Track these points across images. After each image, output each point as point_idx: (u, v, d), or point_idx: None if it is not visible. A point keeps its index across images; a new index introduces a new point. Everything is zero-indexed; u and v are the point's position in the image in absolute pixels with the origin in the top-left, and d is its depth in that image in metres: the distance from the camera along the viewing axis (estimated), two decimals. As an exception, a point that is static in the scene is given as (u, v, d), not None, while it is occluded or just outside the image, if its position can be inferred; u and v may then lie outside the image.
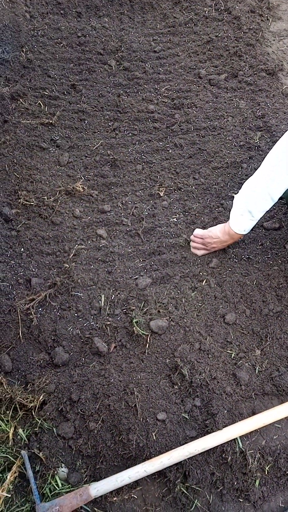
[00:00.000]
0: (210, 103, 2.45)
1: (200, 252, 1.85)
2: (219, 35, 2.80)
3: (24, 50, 2.67)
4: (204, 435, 1.44)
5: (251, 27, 2.85)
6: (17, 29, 2.79)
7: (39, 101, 2.40)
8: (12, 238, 1.89)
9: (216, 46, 2.74)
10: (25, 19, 2.88)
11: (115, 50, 2.72)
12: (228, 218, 1.75)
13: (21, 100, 2.39)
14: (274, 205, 2.04)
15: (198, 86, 2.55)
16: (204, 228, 1.90)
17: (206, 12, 2.95)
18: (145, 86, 2.54)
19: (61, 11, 2.97)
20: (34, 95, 2.44)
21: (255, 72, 2.59)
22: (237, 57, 2.67)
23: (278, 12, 3.07)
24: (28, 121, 2.30)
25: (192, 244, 1.86)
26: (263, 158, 1.62)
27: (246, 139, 2.27)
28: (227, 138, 2.29)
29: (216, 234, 1.78)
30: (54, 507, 1.32)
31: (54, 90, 2.49)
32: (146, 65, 2.65)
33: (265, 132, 2.29)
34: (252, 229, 1.96)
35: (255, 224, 1.87)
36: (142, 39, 2.80)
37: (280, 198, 2.06)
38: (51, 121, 2.31)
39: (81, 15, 2.95)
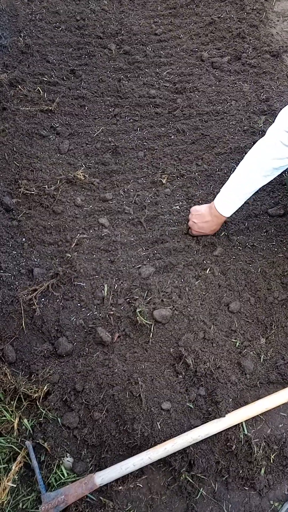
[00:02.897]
0: (213, 87, 2.40)
1: (191, 231, 1.85)
2: (222, 16, 2.72)
3: (22, 35, 2.61)
4: (209, 424, 1.43)
5: (254, 8, 2.77)
6: (15, 13, 2.72)
7: (38, 88, 2.35)
8: (13, 228, 1.87)
9: (218, 28, 2.67)
10: (22, 2, 2.81)
11: (115, 34, 2.66)
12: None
13: (19, 86, 2.34)
14: (279, 192, 2.00)
15: (201, 70, 2.49)
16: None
17: (208, -8, 2.86)
18: (146, 70, 2.49)
19: (59, -6, 2.89)
20: (33, 81, 2.39)
21: (259, 54, 2.52)
22: (240, 39, 2.60)
23: (282, -9, 2.98)
24: (27, 108, 2.26)
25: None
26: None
27: (250, 123, 2.22)
28: (231, 122, 2.24)
29: (201, 208, 1.81)
30: (60, 496, 1.32)
31: (53, 75, 2.44)
32: (147, 48, 2.59)
33: (270, 116, 2.24)
34: (256, 216, 1.93)
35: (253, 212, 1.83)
36: (143, 22, 2.72)
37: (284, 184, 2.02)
38: (50, 108, 2.27)
39: (79, -3, 2.87)
